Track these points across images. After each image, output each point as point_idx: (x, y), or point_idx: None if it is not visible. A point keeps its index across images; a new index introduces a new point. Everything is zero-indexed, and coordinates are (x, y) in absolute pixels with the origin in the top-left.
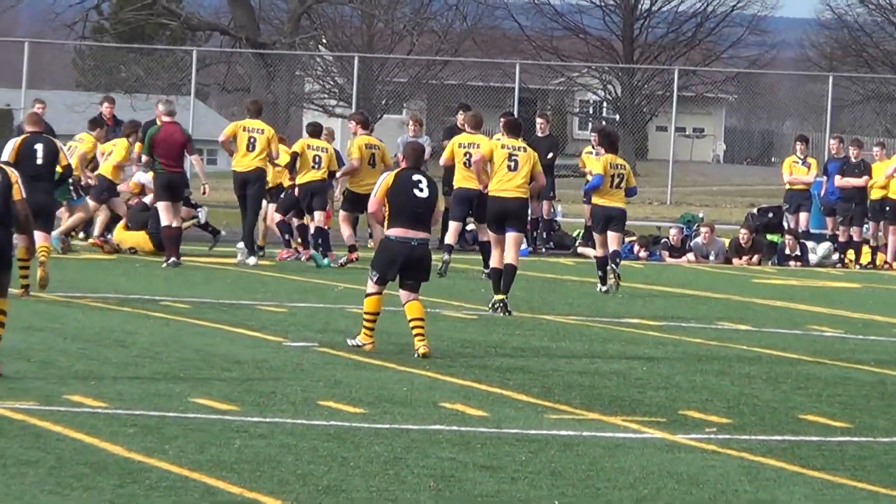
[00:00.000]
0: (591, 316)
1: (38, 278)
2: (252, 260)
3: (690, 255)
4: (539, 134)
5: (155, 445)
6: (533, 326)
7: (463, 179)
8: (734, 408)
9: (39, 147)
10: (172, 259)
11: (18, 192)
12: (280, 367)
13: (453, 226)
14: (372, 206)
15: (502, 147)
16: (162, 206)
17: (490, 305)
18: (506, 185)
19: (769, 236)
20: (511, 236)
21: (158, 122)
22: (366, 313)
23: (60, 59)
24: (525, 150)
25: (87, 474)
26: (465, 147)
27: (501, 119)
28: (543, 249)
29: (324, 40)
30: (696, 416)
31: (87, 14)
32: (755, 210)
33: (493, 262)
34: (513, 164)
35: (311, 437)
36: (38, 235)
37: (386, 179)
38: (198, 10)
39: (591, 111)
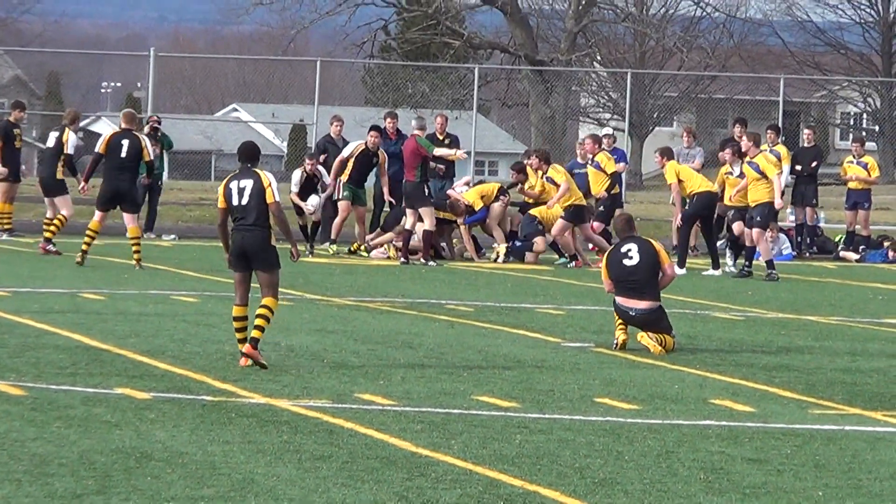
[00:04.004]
0: (852, 316)
1: None
2: (719, 272)
3: None
4: (805, 144)
5: (441, 441)
6: (797, 327)
7: None
8: None
9: (125, 143)
10: (430, 261)
11: (271, 195)
12: (558, 367)
13: None
14: (605, 286)
15: None
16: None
17: None
18: None
19: None
20: None
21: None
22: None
23: (350, 76)
24: None
25: (378, 468)
26: None
27: (768, 130)
28: (807, 254)
29: (598, 57)
30: None
31: (375, 34)
32: None
33: None
34: None
35: (587, 433)
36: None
37: (604, 259)
38: (480, 30)
39: (851, 122)
